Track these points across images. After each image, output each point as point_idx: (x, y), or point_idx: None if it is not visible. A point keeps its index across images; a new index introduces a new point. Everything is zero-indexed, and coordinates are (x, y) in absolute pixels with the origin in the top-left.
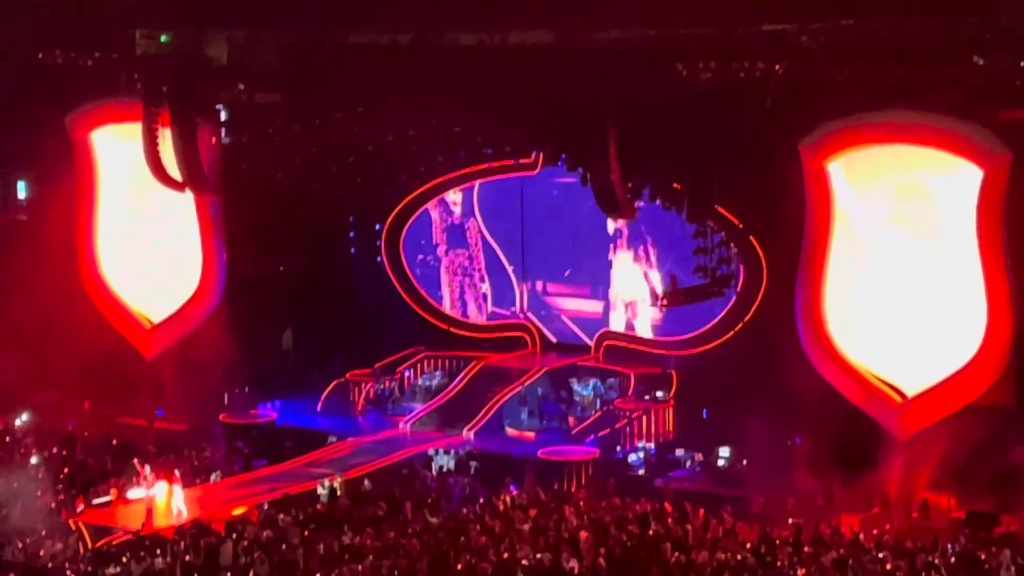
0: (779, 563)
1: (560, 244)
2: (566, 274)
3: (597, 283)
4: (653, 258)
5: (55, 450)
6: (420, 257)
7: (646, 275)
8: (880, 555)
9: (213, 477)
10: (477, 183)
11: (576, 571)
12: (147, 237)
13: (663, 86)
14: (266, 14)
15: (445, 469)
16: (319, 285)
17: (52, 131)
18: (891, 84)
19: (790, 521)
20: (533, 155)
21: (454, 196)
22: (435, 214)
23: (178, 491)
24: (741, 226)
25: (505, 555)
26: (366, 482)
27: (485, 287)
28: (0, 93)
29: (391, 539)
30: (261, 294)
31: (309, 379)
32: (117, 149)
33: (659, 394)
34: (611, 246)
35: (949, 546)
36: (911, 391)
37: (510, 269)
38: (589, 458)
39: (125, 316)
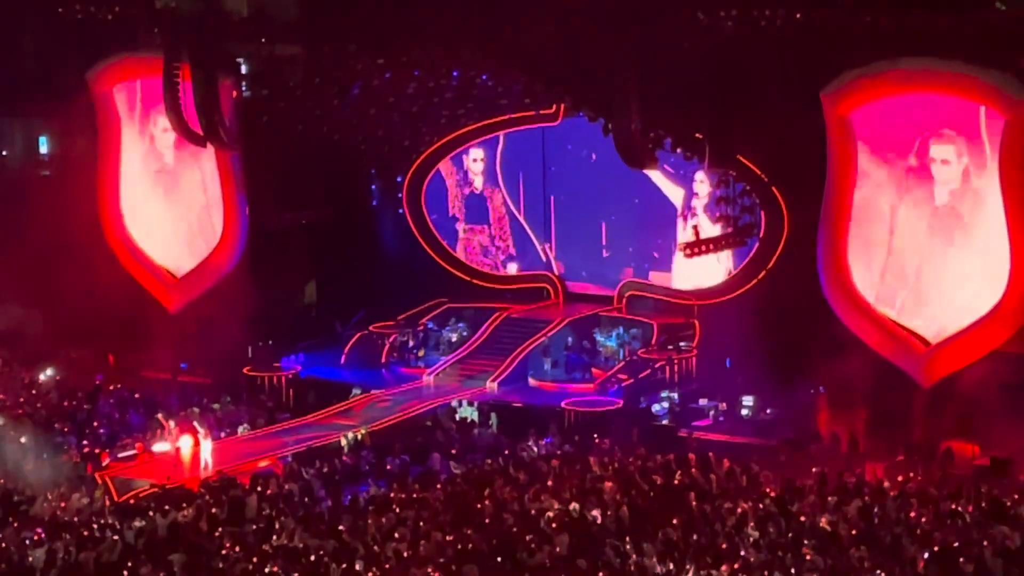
0: (803, 512)
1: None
2: (604, 255)
3: (642, 261)
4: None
5: (80, 404)
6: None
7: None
8: (904, 503)
9: (241, 430)
10: (501, 141)
11: (600, 521)
12: (170, 191)
13: (684, 35)
14: None
15: (469, 420)
16: (342, 238)
17: (73, 86)
18: (913, 31)
19: (814, 470)
20: (554, 106)
21: (475, 161)
22: (451, 182)
23: (204, 444)
24: (763, 176)
25: (529, 506)
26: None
27: (513, 267)
28: (21, 48)
29: (416, 491)
30: (284, 247)
31: (332, 332)
32: (139, 103)
33: (682, 344)
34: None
35: (974, 493)
36: (934, 338)
37: (540, 247)
38: (613, 408)
39: (149, 270)
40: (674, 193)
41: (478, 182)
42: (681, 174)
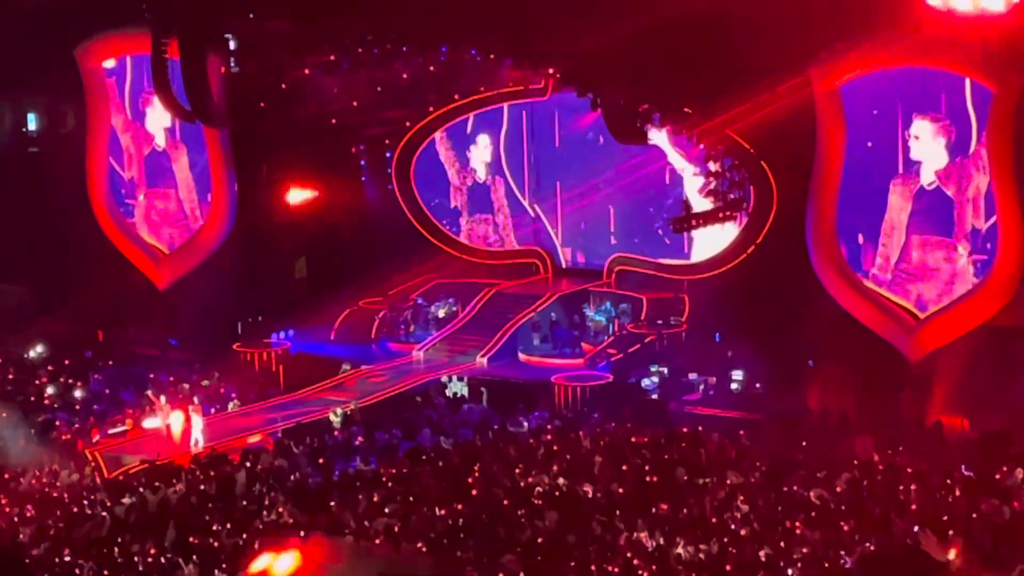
0: (792, 486)
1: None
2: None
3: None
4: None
5: (70, 380)
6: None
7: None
8: (894, 476)
9: (231, 406)
10: (504, 125)
11: (590, 496)
12: (158, 167)
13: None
14: None
15: (459, 396)
16: (332, 213)
17: (61, 62)
18: (902, 5)
19: (803, 444)
20: (543, 82)
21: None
22: (452, 172)
23: (194, 420)
24: (752, 150)
25: (519, 481)
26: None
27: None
28: (8, 24)
29: (405, 466)
30: (273, 223)
31: (322, 307)
32: (127, 80)
33: (672, 319)
34: None
35: (963, 467)
36: (924, 312)
37: (553, 234)
38: (603, 383)
39: (138, 247)
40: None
41: (481, 172)
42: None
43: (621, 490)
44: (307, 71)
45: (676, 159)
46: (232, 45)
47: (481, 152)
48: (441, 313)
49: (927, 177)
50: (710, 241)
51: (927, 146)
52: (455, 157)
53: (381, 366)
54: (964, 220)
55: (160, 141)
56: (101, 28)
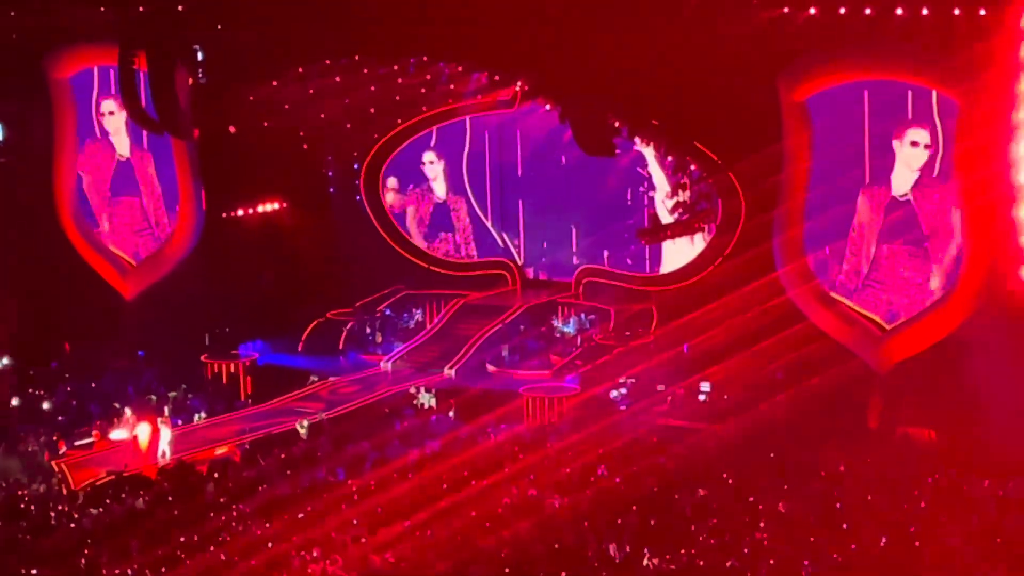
0: (760, 497)
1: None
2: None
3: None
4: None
5: (37, 392)
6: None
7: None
8: (862, 487)
9: (198, 417)
10: (467, 145)
11: (558, 508)
12: (126, 178)
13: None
14: None
15: (427, 407)
16: (299, 224)
17: (28, 73)
18: (868, 16)
19: (771, 455)
20: (511, 93)
21: (430, 163)
22: (411, 211)
23: (161, 432)
24: (719, 161)
25: (487, 492)
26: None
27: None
28: None
29: (373, 478)
30: (241, 234)
31: (290, 318)
32: (95, 91)
33: (640, 330)
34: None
35: (930, 478)
36: (890, 324)
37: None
38: (571, 395)
39: (105, 257)
40: (661, 178)
41: (440, 190)
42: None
43: (589, 502)
44: (275, 83)
45: (656, 170)
46: (200, 56)
47: (432, 167)
48: (410, 325)
49: (896, 186)
50: (679, 254)
51: (895, 156)
52: (413, 185)
53: (349, 377)
54: (933, 230)
55: (125, 151)
56: (70, 39)
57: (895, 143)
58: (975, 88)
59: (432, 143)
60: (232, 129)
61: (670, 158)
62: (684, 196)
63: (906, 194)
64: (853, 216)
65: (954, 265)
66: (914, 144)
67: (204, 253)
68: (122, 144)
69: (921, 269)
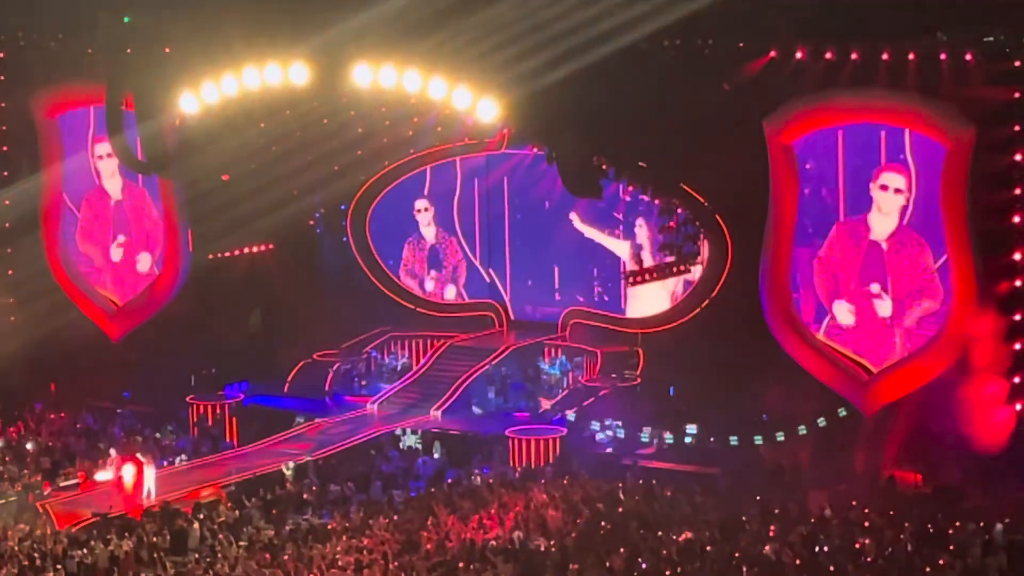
0: (746, 540)
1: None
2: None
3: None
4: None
5: (21, 433)
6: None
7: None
8: (848, 531)
9: (182, 459)
10: (458, 191)
11: (544, 550)
12: (112, 218)
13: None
14: None
15: (413, 449)
16: (286, 265)
17: (15, 112)
18: (856, 62)
19: (757, 498)
20: (498, 136)
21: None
22: (406, 250)
23: (147, 473)
24: (706, 204)
25: (473, 534)
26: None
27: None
28: None
29: (358, 519)
30: (227, 275)
31: (276, 359)
32: (82, 131)
33: (626, 372)
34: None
35: (916, 521)
36: (876, 367)
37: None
38: (557, 437)
39: (91, 298)
40: (620, 248)
41: (429, 234)
42: (622, 229)
43: (574, 544)
44: (262, 124)
45: (616, 246)
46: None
47: (423, 215)
48: (396, 365)
49: (881, 230)
50: (647, 300)
51: (881, 201)
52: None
53: (335, 419)
54: (916, 274)
55: (115, 191)
56: (56, 79)
57: (873, 186)
58: (963, 132)
59: (425, 191)
60: (225, 177)
61: (657, 201)
62: (670, 237)
63: (890, 236)
64: (839, 259)
65: (942, 307)
66: (884, 190)
67: (190, 294)
68: (115, 187)
69: (905, 312)
